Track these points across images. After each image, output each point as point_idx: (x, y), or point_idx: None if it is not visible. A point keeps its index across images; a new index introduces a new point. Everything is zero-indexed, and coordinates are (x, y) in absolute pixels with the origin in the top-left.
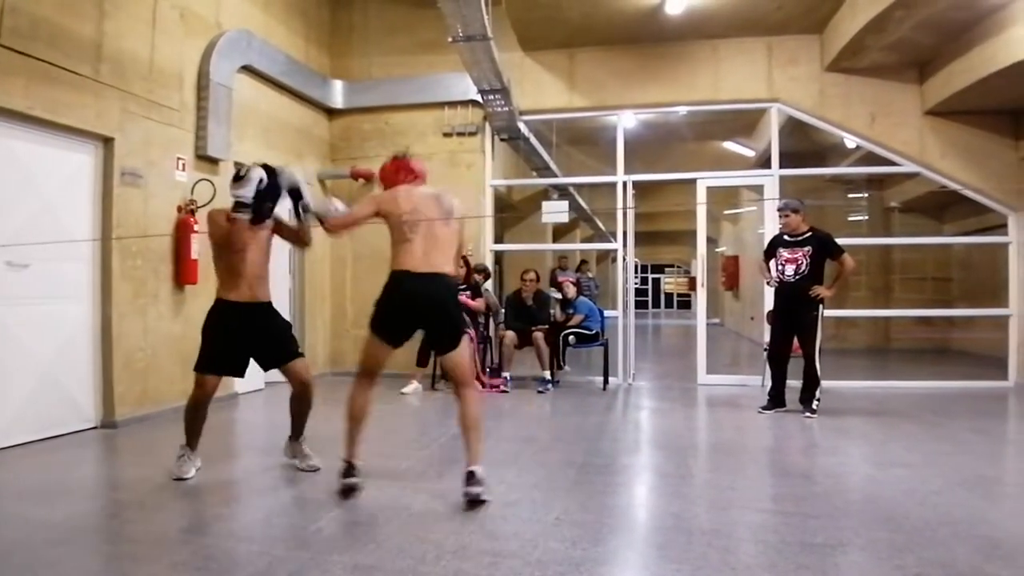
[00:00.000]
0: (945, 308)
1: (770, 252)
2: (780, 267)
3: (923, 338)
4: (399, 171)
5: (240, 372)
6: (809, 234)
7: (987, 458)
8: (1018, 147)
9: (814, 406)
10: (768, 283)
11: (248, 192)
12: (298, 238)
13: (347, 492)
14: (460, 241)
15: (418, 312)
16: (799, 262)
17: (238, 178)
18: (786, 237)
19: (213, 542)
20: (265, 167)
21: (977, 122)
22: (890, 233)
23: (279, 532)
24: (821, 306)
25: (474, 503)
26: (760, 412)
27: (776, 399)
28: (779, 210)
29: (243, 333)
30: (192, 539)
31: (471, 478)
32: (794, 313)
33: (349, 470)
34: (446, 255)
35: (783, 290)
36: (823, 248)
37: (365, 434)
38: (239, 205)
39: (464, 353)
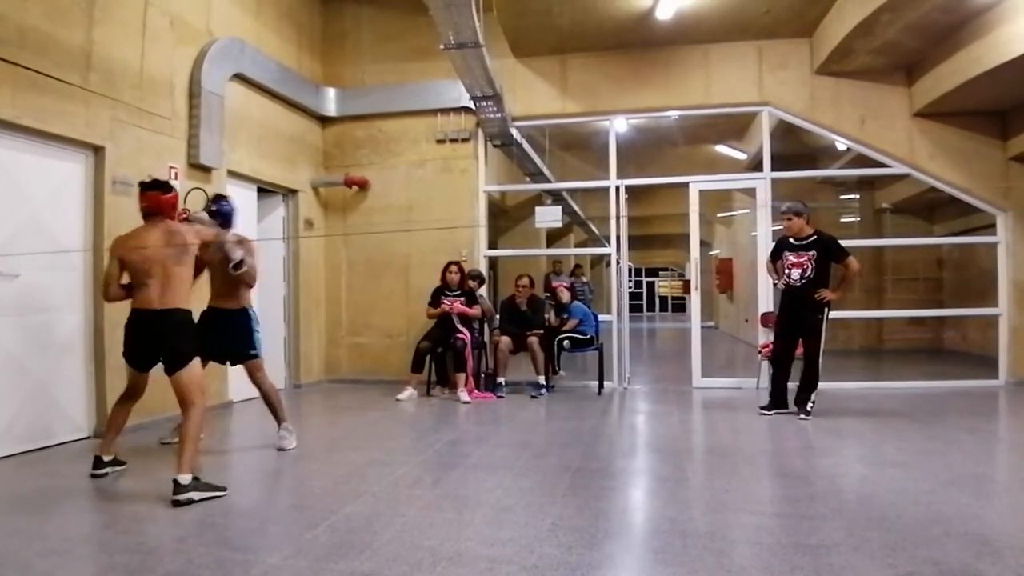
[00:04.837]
0: (936, 308)
1: (776, 255)
2: (786, 270)
3: (915, 338)
4: (144, 203)
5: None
6: (814, 237)
7: (978, 456)
8: (1005, 147)
9: (808, 408)
10: (776, 284)
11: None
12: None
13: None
14: (208, 238)
15: (148, 344)
16: (804, 266)
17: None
18: (791, 240)
19: (207, 551)
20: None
21: (965, 123)
22: (881, 234)
23: (274, 540)
24: (827, 309)
25: (178, 504)
26: (761, 413)
27: (778, 400)
28: (782, 213)
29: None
30: (186, 548)
31: (175, 487)
32: (799, 316)
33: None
34: (176, 291)
35: (788, 293)
36: (828, 251)
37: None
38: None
39: (186, 375)
